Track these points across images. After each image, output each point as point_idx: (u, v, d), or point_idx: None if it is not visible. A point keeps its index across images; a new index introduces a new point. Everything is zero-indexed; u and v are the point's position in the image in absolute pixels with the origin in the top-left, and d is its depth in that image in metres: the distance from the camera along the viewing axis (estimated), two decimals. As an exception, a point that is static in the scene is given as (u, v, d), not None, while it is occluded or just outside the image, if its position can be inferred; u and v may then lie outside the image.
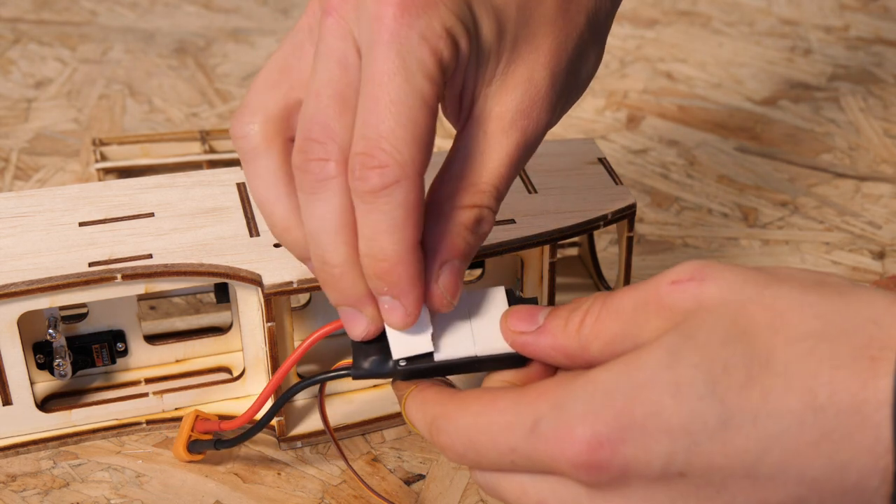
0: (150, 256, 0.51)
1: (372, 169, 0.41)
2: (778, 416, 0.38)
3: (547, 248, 0.55)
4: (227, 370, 0.57)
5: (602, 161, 0.59)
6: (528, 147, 0.45)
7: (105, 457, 0.53)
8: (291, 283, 0.50)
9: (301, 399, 0.55)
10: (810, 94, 0.82)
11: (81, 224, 0.53)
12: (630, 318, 0.41)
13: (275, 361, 0.52)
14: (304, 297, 0.57)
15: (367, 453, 0.53)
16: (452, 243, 0.44)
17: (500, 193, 0.44)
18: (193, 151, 0.72)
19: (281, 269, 0.51)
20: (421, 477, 0.52)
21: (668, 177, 0.73)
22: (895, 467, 0.37)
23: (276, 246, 0.52)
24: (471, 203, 0.44)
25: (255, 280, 0.51)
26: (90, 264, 0.50)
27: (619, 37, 0.89)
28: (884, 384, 0.37)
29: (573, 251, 0.64)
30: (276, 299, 0.51)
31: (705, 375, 0.38)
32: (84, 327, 0.55)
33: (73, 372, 0.54)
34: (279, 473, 0.52)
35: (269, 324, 0.51)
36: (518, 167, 0.45)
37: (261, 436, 0.54)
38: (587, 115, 0.79)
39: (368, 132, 0.41)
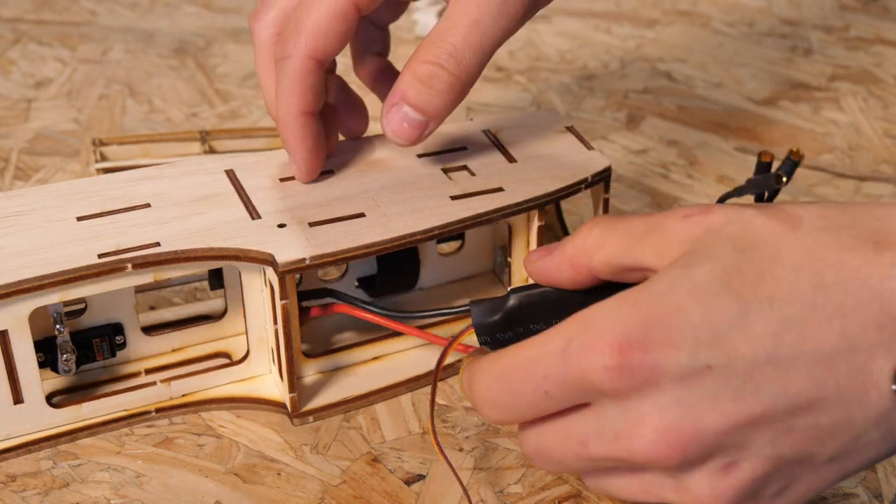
0: (158, 244, 0.51)
1: (279, 42, 0.53)
2: (790, 300, 0.41)
3: (535, 213, 0.56)
4: (226, 355, 0.57)
5: (570, 129, 0.60)
6: (493, 15, 0.51)
7: (105, 457, 0.53)
8: (304, 259, 0.51)
9: (310, 376, 0.56)
10: (810, 94, 0.81)
11: (79, 218, 0.53)
12: (637, 237, 0.45)
13: (288, 338, 0.52)
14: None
15: (367, 453, 0.53)
16: (399, 87, 0.52)
17: (456, 52, 0.51)
18: (193, 152, 0.72)
19: (289, 247, 0.52)
20: (421, 477, 0.52)
21: (668, 177, 0.73)
22: None
23: (280, 226, 0.53)
24: (425, 59, 0.52)
25: (266, 260, 0.51)
26: (99, 256, 0.51)
27: (619, 37, 0.89)
28: (888, 258, 0.40)
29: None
30: (286, 277, 0.51)
31: (720, 276, 0.41)
32: (83, 322, 0.55)
33: (76, 367, 0.54)
34: (279, 473, 0.52)
35: (283, 301, 0.52)
36: (483, 36, 0.51)
37: (261, 435, 0.54)
38: (587, 115, 0.79)
39: (296, 18, 0.53)
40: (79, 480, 0.52)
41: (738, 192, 0.52)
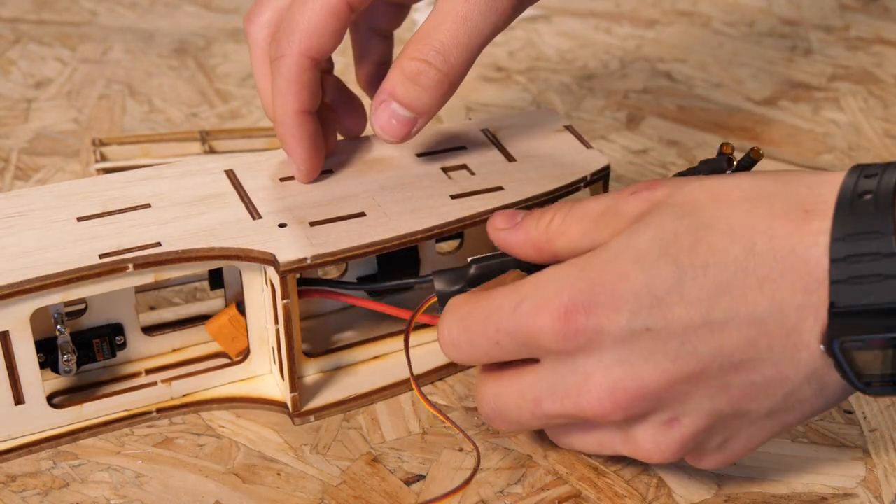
0: (158, 245, 0.51)
1: (273, 42, 0.53)
2: (724, 266, 0.43)
3: None
4: (226, 355, 0.57)
5: (569, 128, 0.61)
6: (481, 10, 0.51)
7: (105, 457, 0.53)
8: (305, 259, 0.51)
9: (311, 375, 0.56)
10: (810, 94, 0.82)
11: (80, 219, 0.53)
12: (593, 221, 0.47)
13: (289, 338, 0.53)
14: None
15: (367, 453, 0.53)
16: (387, 84, 0.53)
17: (444, 48, 0.51)
18: (193, 152, 0.72)
19: (290, 247, 0.52)
20: (421, 477, 0.52)
21: (668, 177, 0.73)
22: (830, 298, 0.42)
23: (281, 226, 0.53)
24: (412, 55, 0.52)
25: (267, 259, 0.51)
26: (100, 256, 0.51)
27: (619, 37, 0.89)
28: (816, 226, 0.42)
29: None
30: (288, 277, 0.51)
31: (659, 243, 0.44)
32: (83, 322, 0.55)
33: (77, 368, 0.54)
34: (279, 473, 0.52)
35: (285, 301, 0.52)
36: (471, 32, 0.51)
37: (261, 435, 0.54)
38: (587, 115, 0.79)
39: (289, 18, 0.53)
40: (79, 480, 0.52)
41: (691, 172, 0.54)
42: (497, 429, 0.51)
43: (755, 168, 0.54)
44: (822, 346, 0.43)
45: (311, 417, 0.55)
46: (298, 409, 0.54)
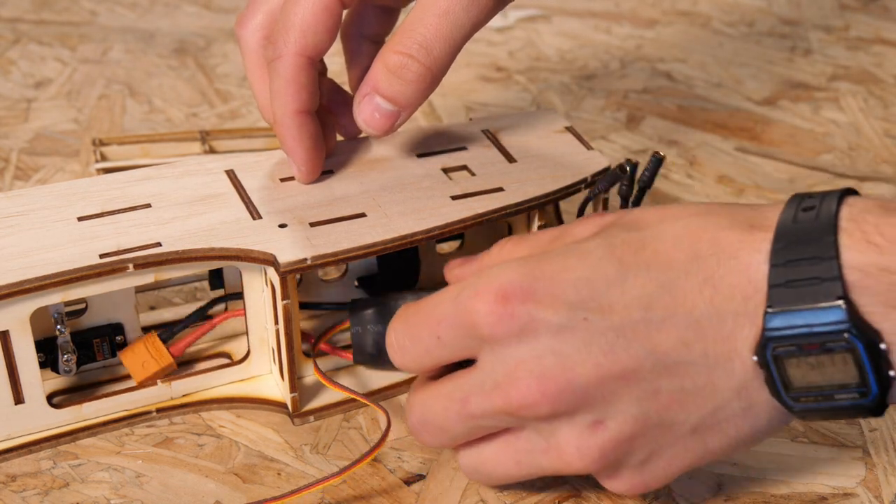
0: (159, 245, 0.51)
1: (270, 44, 0.54)
2: (666, 268, 0.44)
3: (535, 213, 0.57)
4: (226, 355, 0.57)
5: (570, 129, 0.61)
6: (463, 5, 0.52)
7: (105, 457, 0.53)
8: (306, 259, 0.51)
9: (311, 376, 0.56)
10: (810, 94, 0.82)
11: (80, 219, 0.53)
12: (546, 244, 0.48)
13: (289, 338, 0.53)
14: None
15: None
16: (370, 78, 0.53)
17: (427, 42, 0.52)
18: (193, 152, 0.72)
19: (290, 247, 0.52)
20: (421, 477, 0.52)
21: (668, 177, 0.73)
22: (767, 301, 0.42)
23: (281, 227, 0.53)
24: (395, 49, 0.52)
25: (267, 260, 0.51)
26: (101, 256, 0.51)
27: (619, 37, 0.89)
28: (759, 236, 0.43)
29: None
30: (288, 277, 0.51)
31: (606, 245, 0.45)
32: (83, 322, 0.55)
33: (77, 367, 0.54)
34: (279, 473, 0.52)
35: (285, 301, 0.52)
36: (453, 26, 0.52)
37: (261, 435, 0.54)
38: (587, 115, 0.79)
39: (283, 18, 0.53)
40: (79, 480, 0.52)
41: (596, 190, 0.57)
42: (422, 442, 0.50)
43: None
44: (754, 357, 0.43)
45: (311, 417, 0.55)
46: (298, 409, 0.54)
